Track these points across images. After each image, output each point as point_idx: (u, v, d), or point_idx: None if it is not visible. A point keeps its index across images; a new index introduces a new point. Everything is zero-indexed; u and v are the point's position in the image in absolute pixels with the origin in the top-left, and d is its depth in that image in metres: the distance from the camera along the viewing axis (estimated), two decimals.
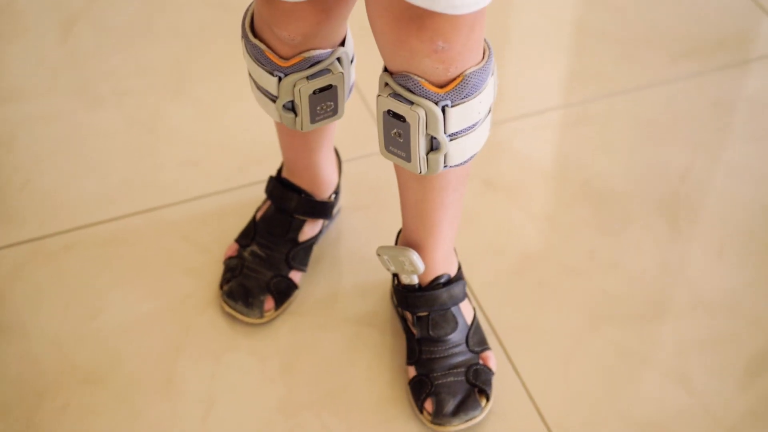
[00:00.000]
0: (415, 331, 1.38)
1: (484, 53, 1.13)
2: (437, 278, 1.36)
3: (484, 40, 1.13)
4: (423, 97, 1.12)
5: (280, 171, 1.49)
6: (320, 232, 1.51)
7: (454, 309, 1.36)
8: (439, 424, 1.33)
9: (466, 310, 1.38)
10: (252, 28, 1.25)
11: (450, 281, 1.36)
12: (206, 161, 1.67)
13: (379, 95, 1.15)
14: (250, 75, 1.29)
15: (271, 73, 1.23)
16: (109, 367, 1.42)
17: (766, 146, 1.71)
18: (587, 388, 1.40)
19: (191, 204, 1.61)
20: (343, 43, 1.26)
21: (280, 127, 1.41)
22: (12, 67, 1.84)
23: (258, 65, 1.24)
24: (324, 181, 1.48)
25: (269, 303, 1.44)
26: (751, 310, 1.48)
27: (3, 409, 1.37)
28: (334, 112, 1.29)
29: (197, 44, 1.89)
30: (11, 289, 1.50)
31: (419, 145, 1.14)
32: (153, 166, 1.67)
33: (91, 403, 1.38)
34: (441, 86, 1.11)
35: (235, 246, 1.49)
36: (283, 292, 1.45)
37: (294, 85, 1.23)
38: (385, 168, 1.62)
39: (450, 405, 1.33)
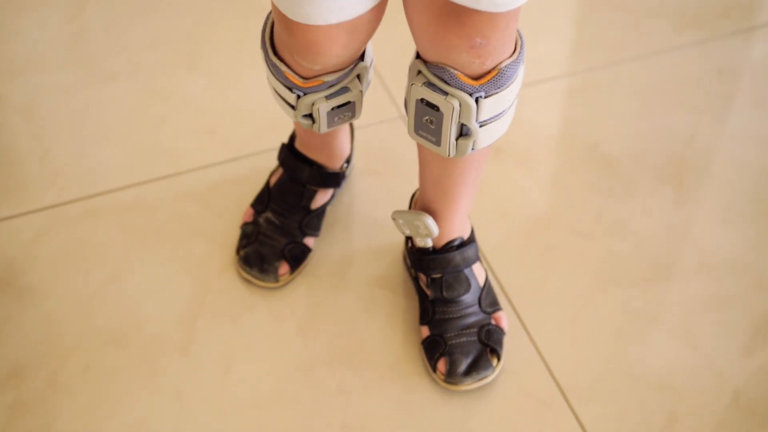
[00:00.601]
0: (429, 292, 1.41)
1: (516, 44, 1.15)
2: (451, 241, 1.39)
3: (517, 31, 1.15)
4: (458, 88, 1.13)
5: (292, 139, 1.51)
6: (332, 196, 1.54)
7: (467, 271, 1.40)
8: (452, 383, 1.37)
9: (478, 272, 1.42)
10: (272, 44, 1.23)
11: (463, 244, 1.40)
12: (221, 129, 1.71)
13: (412, 84, 1.16)
14: (267, 78, 1.28)
15: (290, 90, 1.24)
16: (130, 328, 1.45)
17: None
18: (595, 347, 1.43)
19: (207, 171, 1.64)
20: (362, 57, 1.25)
21: None
22: (29, 40, 1.87)
23: (277, 80, 1.24)
24: (337, 153, 1.51)
25: (284, 268, 1.47)
26: (756, 272, 1.52)
27: (27, 369, 1.41)
28: (352, 117, 1.30)
29: (210, 17, 1.92)
30: (33, 254, 1.53)
31: (451, 132, 1.17)
32: (169, 134, 1.70)
33: (113, 363, 1.42)
34: (476, 78, 1.13)
35: (251, 211, 1.52)
36: (297, 258, 1.48)
37: (313, 104, 1.24)
38: (396, 135, 1.65)
39: (463, 365, 1.37)
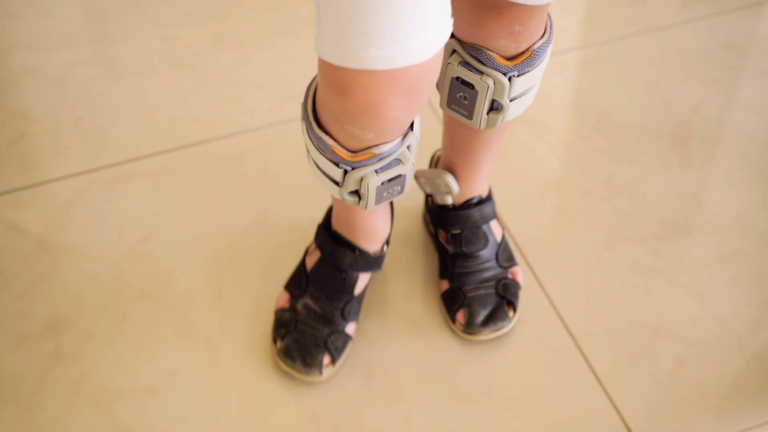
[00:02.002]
0: (449, 247, 1.48)
1: (546, 26, 1.19)
2: (470, 199, 1.46)
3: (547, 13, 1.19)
4: (493, 68, 1.18)
5: (328, 218, 1.44)
6: (370, 278, 1.47)
7: (485, 227, 1.47)
8: (471, 334, 1.44)
9: (495, 229, 1.49)
10: (315, 116, 1.15)
11: (481, 201, 1.47)
12: (247, 99, 1.78)
13: (448, 63, 1.19)
14: (308, 152, 1.21)
15: (337, 165, 1.15)
16: (163, 283, 1.53)
17: None
18: (606, 299, 1.50)
19: (234, 138, 1.72)
20: (411, 126, 1.16)
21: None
22: (62, 15, 1.95)
23: (321, 155, 1.16)
24: (379, 234, 1.41)
25: (327, 359, 1.40)
26: (760, 230, 1.59)
27: (65, 322, 1.48)
28: (400, 192, 1.23)
29: None
30: (70, 215, 1.61)
31: (483, 107, 1.22)
32: (197, 104, 1.77)
33: (148, 316, 1.49)
34: (510, 59, 1.18)
35: (287, 296, 1.45)
36: (339, 348, 1.41)
37: (362, 179, 1.16)
38: None
39: (481, 316, 1.44)
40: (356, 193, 1.20)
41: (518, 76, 1.19)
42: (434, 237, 1.53)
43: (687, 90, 1.79)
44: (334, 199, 1.37)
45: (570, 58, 1.87)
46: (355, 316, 1.43)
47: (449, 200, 1.46)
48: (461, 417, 1.39)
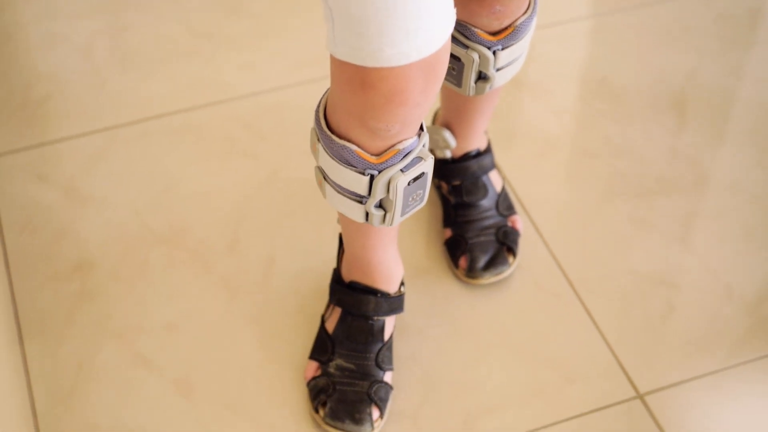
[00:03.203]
0: (450, 198, 1.56)
1: (530, 1, 1.27)
2: (468, 152, 1.54)
3: None
4: (478, 43, 1.26)
5: (338, 276, 1.43)
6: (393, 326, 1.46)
7: (484, 178, 1.55)
8: (473, 278, 1.52)
9: (495, 179, 1.57)
10: (330, 128, 1.16)
11: (479, 154, 1.55)
12: (262, 64, 1.86)
13: None
14: (325, 179, 1.21)
15: (363, 173, 1.15)
16: (182, 230, 1.61)
17: (766, 51, 1.89)
18: (602, 249, 1.59)
19: (250, 99, 1.80)
20: (422, 127, 1.18)
21: (354, 228, 1.33)
22: None
23: (345, 166, 1.16)
24: (394, 275, 1.41)
25: (375, 413, 1.38)
26: (749, 189, 1.67)
27: (90, 264, 1.57)
28: (422, 200, 1.23)
29: None
30: (94, 168, 1.70)
31: (471, 78, 1.29)
32: (214, 68, 1.86)
33: (168, 259, 1.58)
34: (494, 33, 1.26)
35: (315, 365, 1.42)
36: (384, 399, 1.39)
37: (389, 181, 1.16)
38: None
39: (482, 261, 1.52)
40: (380, 207, 1.20)
41: (502, 49, 1.26)
42: (437, 188, 1.61)
43: (683, 58, 1.87)
44: (349, 238, 1.36)
45: (572, 28, 1.95)
46: (390, 364, 1.41)
47: (448, 154, 1.54)
48: (463, 353, 1.47)
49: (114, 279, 1.55)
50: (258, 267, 1.57)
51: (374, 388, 1.38)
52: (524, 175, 1.68)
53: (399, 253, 1.42)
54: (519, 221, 1.57)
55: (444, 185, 1.58)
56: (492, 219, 1.55)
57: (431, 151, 1.55)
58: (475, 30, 1.25)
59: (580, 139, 1.75)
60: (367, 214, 1.20)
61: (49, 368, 1.46)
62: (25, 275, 1.55)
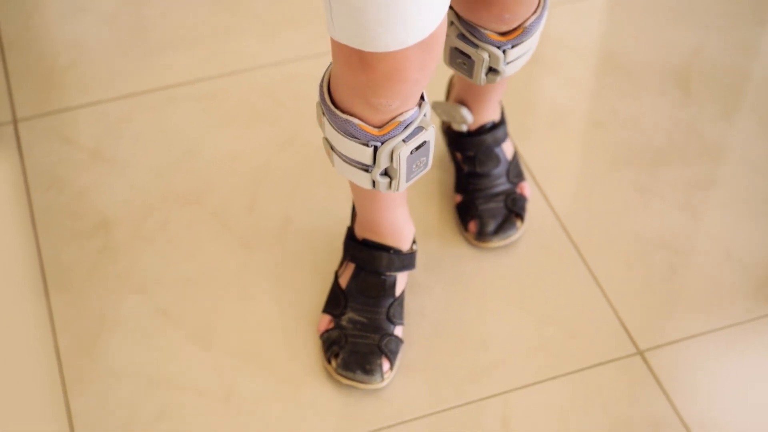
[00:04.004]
0: (464, 167, 1.61)
1: (539, 1, 1.29)
2: (483, 125, 1.59)
3: None
4: (488, 43, 1.29)
5: (352, 234, 1.48)
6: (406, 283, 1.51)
7: (497, 149, 1.60)
8: (482, 241, 1.58)
9: (507, 149, 1.62)
10: (334, 103, 1.21)
11: (494, 126, 1.59)
12: (282, 36, 1.92)
13: (447, 35, 1.27)
14: (332, 148, 1.26)
15: (366, 144, 1.20)
16: (202, 192, 1.68)
17: None
18: (607, 214, 1.64)
19: (269, 69, 1.86)
20: (422, 97, 1.23)
21: (362, 193, 1.38)
22: None
23: (348, 138, 1.20)
24: (405, 233, 1.46)
25: (386, 364, 1.43)
26: (751, 159, 1.72)
27: (113, 222, 1.63)
28: (426, 165, 1.27)
29: None
30: (118, 132, 1.76)
31: (481, 72, 1.33)
32: (235, 39, 1.92)
33: (189, 219, 1.64)
34: (503, 34, 1.30)
35: (328, 318, 1.47)
36: (394, 351, 1.44)
37: (392, 151, 1.21)
38: None
39: (491, 226, 1.58)
40: (386, 174, 1.24)
41: (512, 47, 1.30)
42: (452, 155, 1.66)
43: (690, 34, 1.92)
44: (359, 203, 1.42)
45: (584, 6, 2.00)
46: (400, 319, 1.45)
47: (464, 128, 1.58)
48: (470, 310, 1.53)
49: (136, 236, 1.62)
50: (275, 227, 1.63)
51: (385, 341, 1.43)
52: (534, 144, 1.74)
53: (409, 213, 1.48)
54: (527, 187, 1.62)
55: (459, 155, 1.62)
56: (502, 186, 1.60)
57: (448, 124, 1.61)
58: (485, 32, 1.29)
59: (588, 110, 1.80)
60: (374, 182, 1.25)
61: (74, 319, 1.52)
62: (51, 232, 1.62)
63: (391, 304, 1.45)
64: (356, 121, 1.18)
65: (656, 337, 1.50)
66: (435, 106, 1.58)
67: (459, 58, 1.33)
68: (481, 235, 1.58)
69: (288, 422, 1.42)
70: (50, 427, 1.43)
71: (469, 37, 1.29)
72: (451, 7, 1.27)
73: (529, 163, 1.71)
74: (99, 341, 1.50)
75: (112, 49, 1.89)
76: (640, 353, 1.48)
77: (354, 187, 1.39)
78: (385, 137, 1.19)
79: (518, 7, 1.24)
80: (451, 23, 1.29)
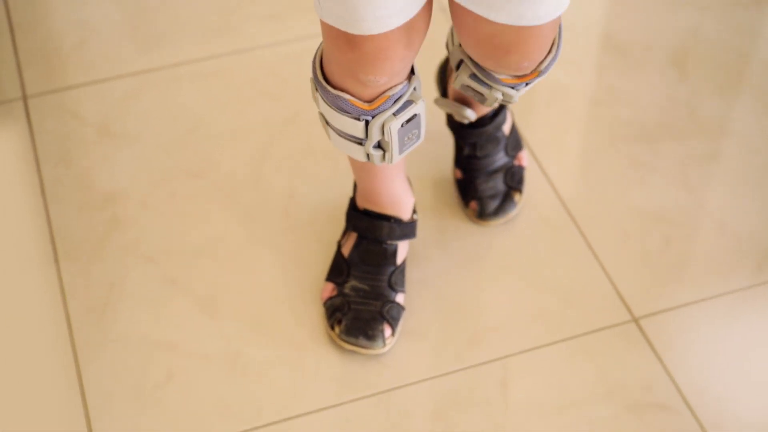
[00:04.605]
0: (465, 149, 1.61)
1: (554, 42, 1.24)
2: (485, 115, 1.58)
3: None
4: (502, 85, 1.27)
5: (354, 205, 1.52)
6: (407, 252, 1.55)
7: (497, 133, 1.60)
8: (482, 220, 1.61)
9: (506, 126, 1.63)
10: (326, 79, 1.25)
11: (496, 114, 1.58)
12: (286, 16, 1.96)
13: (457, 75, 1.28)
14: (327, 123, 1.31)
15: (357, 119, 1.24)
16: (209, 166, 1.71)
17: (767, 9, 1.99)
18: (604, 189, 1.68)
19: (274, 47, 1.90)
20: (413, 71, 1.27)
21: (359, 166, 1.43)
22: None
23: (341, 113, 1.25)
24: (404, 203, 1.50)
25: (387, 330, 1.47)
26: (746, 136, 1.76)
27: (121, 194, 1.67)
28: (418, 137, 1.31)
29: None
30: (126, 108, 1.80)
31: (494, 103, 1.32)
32: (240, 19, 1.96)
33: (195, 191, 1.68)
34: (518, 77, 1.26)
35: (331, 286, 1.51)
36: (396, 318, 1.48)
37: (383, 125, 1.25)
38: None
39: (491, 206, 1.60)
40: (380, 147, 1.29)
41: (526, 85, 1.28)
42: (454, 131, 1.65)
43: (686, 16, 1.96)
44: (357, 175, 1.46)
45: None
46: (402, 287, 1.49)
47: (466, 121, 1.55)
48: (470, 279, 1.57)
49: (144, 208, 1.66)
50: (280, 199, 1.67)
51: (387, 308, 1.47)
52: (533, 120, 1.78)
53: (408, 184, 1.52)
54: (525, 157, 1.65)
55: (459, 140, 1.62)
56: (500, 161, 1.61)
57: (449, 115, 1.61)
58: (500, 77, 1.26)
59: (585, 88, 1.84)
60: (368, 155, 1.29)
61: (83, 287, 1.56)
62: (60, 203, 1.66)
63: (393, 272, 1.49)
64: (347, 96, 1.22)
65: (651, 305, 1.54)
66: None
67: (471, 92, 1.32)
68: (482, 215, 1.61)
69: (292, 386, 1.46)
70: (61, 391, 1.47)
71: (483, 78, 1.27)
72: (460, 45, 1.26)
73: (529, 139, 1.74)
74: (108, 308, 1.54)
75: (120, 28, 1.93)
76: (635, 320, 1.52)
77: (352, 160, 1.43)
78: (376, 111, 1.23)
79: (536, 54, 1.20)
80: (461, 61, 1.28)
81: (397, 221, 1.48)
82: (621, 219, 1.64)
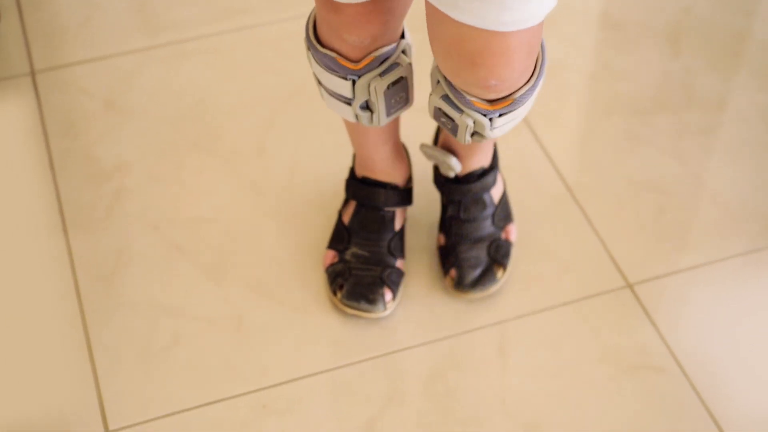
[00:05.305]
0: (448, 209, 1.54)
1: (534, 69, 1.20)
2: (472, 172, 1.50)
3: (540, 52, 1.20)
4: (473, 110, 1.21)
5: (353, 174, 1.55)
6: (405, 218, 1.57)
7: (485, 195, 1.52)
8: (460, 291, 1.52)
9: (495, 191, 1.54)
10: (317, 39, 1.29)
11: (484, 173, 1.51)
12: None
13: (431, 94, 1.24)
14: (319, 83, 1.34)
15: (345, 78, 1.27)
16: (214, 138, 1.75)
17: None
18: (600, 160, 1.72)
19: (277, 24, 1.94)
20: (403, 35, 1.29)
21: (353, 128, 1.45)
22: None
23: (330, 72, 1.28)
24: (399, 168, 1.52)
25: (388, 295, 1.50)
26: (738, 108, 1.80)
27: (129, 165, 1.71)
28: (406, 101, 1.33)
29: None
30: (131, 83, 1.84)
31: (466, 134, 1.26)
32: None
33: (200, 163, 1.72)
34: (491, 102, 1.21)
35: (332, 253, 1.54)
36: (396, 282, 1.51)
37: (369, 85, 1.28)
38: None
39: (470, 277, 1.51)
40: (368, 108, 1.31)
41: (500, 116, 1.22)
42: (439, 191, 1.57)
43: None
44: (352, 139, 1.49)
45: None
46: (401, 252, 1.53)
47: (452, 174, 1.50)
48: None
49: (150, 179, 1.70)
50: (283, 171, 1.71)
51: (387, 272, 1.51)
52: None
53: (404, 152, 1.55)
54: (513, 231, 1.57)
55: (444, 198, 1.55)
56: (486, 230, 1.53)
57: (435, 167, 1.54)
58: (471, 99, 1.20)
59: (581, 63, 1.88)
60: (356, 115, 1.33)
61: (91, 254, 1.60)
62: (68, 174, 1.70)
63: (392, 238, 1.52)
64: (334, 55, 1.26)
65: (645, 272, 1.58)
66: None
67: (443, 117, 1.27)
68: (460, 286, 1.52)
69: (296, 349, 1.50)
70: (71, 355, 1.51)
71: (454, 101, 1.22)
72: (438, 69, 1.23)
73: (528, 113, 1.78)
74: (116, 275, 1.58)
75: (125, 4, 1.97)
76: (630, 286, 1.56)
77: (346, 124, 1.47)
78: (362, 71, 1.27)
79: (505, 72, 1.14)
80: (437, 82, 1.24)
81: (394, 188, 1.52)
82: (616, 189, 1.68)
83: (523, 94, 1.19)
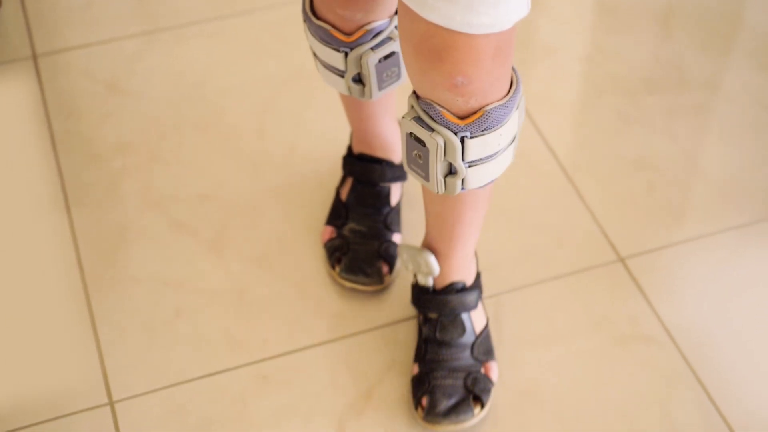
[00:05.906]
0: (423, 330, 1.44)
1: (511, 86, 1.15)
2: (452, 284, 1.41)
3: (513, 71, 1.16)
4: (443, 126, 1.13)
5: (350, 151, 1.58)
6: (401, 194, 1.59)
7: (464, 315, 1.42)
8: (430, 422, 1.39)
9: (477, 319, 1.44)
10: (313, 11, 1.31)
11: (464, 289, 1.42)
12: None
13: (403, 117, 1.18)
14: (315, 55, 1.36)
15: (337, 50, 1.30)
16: (214, 118, 1.79)
17: None
18: (592, 138, 1.76)
19: (277, 9, 1.97)
20: (397, 11, 1.27)
21: (348, 102, 1.47)
22: None
23: (323, 44, 1.31)
24: (393, 144, 1.54)
25: (385, 268, 1.52)
26: (727, 88, 1.84)
27: (131, 145, 1.74)
28: (398, 76, 1.34)
29: None
30: (133, 66, 1.87)
31: (437, 168, 1.17)
32: None
33: (201, 142, 1.75)
34: (462, 117, 1.13)
35: (330, 228, 1.57)
36: (393, 256, 1.53)
37: (360, 58, 1.30)
38: None
39: (442, 406, 1.39)
40: (360, 81, 1.33)
41: (471, 137, 1.14)
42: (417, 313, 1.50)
43: None
44: (347, 113, 1.50)
45: None
46: (398, 227, 1.56)
47: (430, 281, 1.42)
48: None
49: (152, 158, 1.73)
50: (282, 151, 1.74)
51: (384, 247, 1.54)
52: (525, 76, 1.85)
53: (398, 128, 1.55)
54: (494, 369, 1.44)
55: (420, 315, 1.46)
56: (464, 361, 1.42)
57: (412, 285, 1.46)
58: (440, 109, 1.14)
59: (574, 46, 1.92)
60: (349, 88, 1.35)
61: (94, 231, 1.64)
62: (71, 154, 1.73)
63: (388, 213, 1.56)
64: (328, 27, 1.29)
65: (636, 246, 1.61)
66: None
67: (415, 149, 1.19)
68: (430, 415, 1.39)
69: (295, 321, 1.54)
70: (75, 328, 1.54)
71: (425, 119, 1.15)
72: (414, 92, 1.18)
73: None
74: (118, 250, 1.61)
75: None
76: (621, 260, 1.60)
77: (342, 99, 1.49)
78: (354, 44, 1.29)
79: (471, 69, 1.09)
80: (411, 107, 1.17)
81: (389, 164, 1.55)
82: (607, 166, 1.72)
83: (495, 107, 1.12)
